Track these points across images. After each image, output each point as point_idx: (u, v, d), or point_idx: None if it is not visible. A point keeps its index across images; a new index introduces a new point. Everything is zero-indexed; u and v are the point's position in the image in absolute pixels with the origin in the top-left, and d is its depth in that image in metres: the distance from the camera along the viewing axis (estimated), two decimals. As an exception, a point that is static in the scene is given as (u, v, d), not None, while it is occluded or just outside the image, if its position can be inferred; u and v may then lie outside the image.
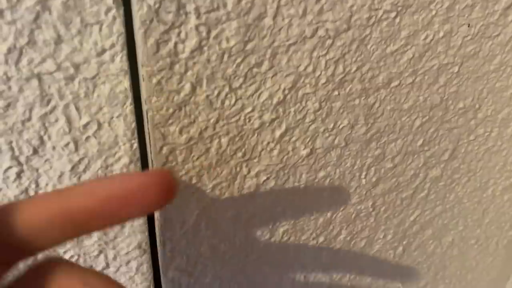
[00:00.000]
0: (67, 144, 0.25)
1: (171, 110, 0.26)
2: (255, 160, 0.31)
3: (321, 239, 0.38)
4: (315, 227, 0.37)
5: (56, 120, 0.24)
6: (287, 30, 0.26)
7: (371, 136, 0.34)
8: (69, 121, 0.24)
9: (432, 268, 0.47)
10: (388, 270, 0.44)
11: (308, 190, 0.34)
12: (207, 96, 0.27)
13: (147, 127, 0.26)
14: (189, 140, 0.28)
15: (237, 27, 0.25)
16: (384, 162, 0.36)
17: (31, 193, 0.26)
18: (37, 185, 0.26)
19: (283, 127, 0.30)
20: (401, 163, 0.37)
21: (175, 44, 0.24)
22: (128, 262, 0.34)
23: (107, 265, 0.34)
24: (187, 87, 0.26)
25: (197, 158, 0.29)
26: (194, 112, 0.27)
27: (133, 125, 0.26)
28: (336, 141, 0.33)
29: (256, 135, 0.30)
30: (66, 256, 0.31)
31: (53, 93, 0.24)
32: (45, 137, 0.24)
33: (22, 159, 0.24)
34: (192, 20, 0.24)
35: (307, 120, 0.31)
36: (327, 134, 0.32)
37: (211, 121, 0.28)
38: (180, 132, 0.27)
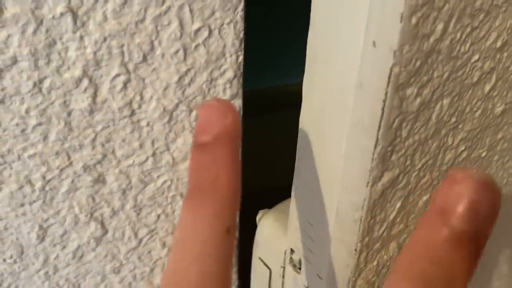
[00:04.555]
0: (176, 52, 0.23)
1: (418, 64, 0.19)
2: (460, 126, 0.24)
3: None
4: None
5: (169, 23, 0.22)
6: None
7: (543, 84, 0.29)
8: (181, 24, 0.23)
9: None
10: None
11: (485, 157, 0.28)
12: (451, 41, 0.20)
13: (386, 90, 0.19)
14: (420, 106, 0.20)
15: None
16: (541, 114, 0.31)
17: (135, 106, 0.24)
18: (142, 97, 0.24)
19: (493, 79, 0.24)
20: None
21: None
22: None
23: None
24: (439, 28, 0.19)
25: (418, 130, 0.22)
26: (433, 65, 0.20)
27: (242, 34, 0.24)
28: (521, 93, 0.27)
29: (470, 91, 0.23)
30: (159, 181, 0.28)
31: None
32: (156, 42, 0.22)
33: (131, 66, 0.23)
34: None
35: (511, 68, 0.25)
36: (517, 85, 0.27)
37: (444, 76, 0.21)
38: (417, 95, 0.20)
